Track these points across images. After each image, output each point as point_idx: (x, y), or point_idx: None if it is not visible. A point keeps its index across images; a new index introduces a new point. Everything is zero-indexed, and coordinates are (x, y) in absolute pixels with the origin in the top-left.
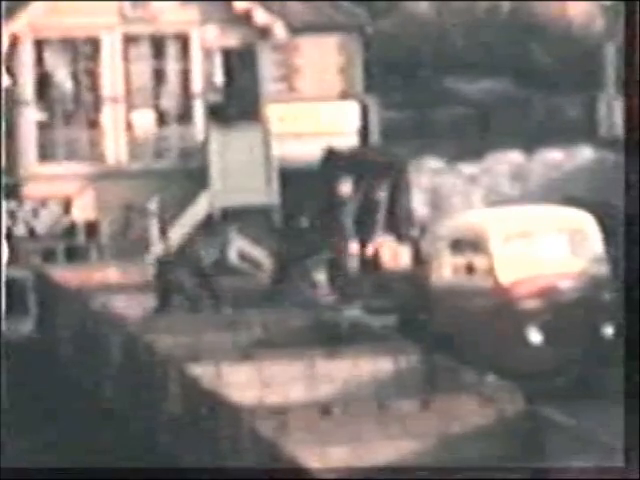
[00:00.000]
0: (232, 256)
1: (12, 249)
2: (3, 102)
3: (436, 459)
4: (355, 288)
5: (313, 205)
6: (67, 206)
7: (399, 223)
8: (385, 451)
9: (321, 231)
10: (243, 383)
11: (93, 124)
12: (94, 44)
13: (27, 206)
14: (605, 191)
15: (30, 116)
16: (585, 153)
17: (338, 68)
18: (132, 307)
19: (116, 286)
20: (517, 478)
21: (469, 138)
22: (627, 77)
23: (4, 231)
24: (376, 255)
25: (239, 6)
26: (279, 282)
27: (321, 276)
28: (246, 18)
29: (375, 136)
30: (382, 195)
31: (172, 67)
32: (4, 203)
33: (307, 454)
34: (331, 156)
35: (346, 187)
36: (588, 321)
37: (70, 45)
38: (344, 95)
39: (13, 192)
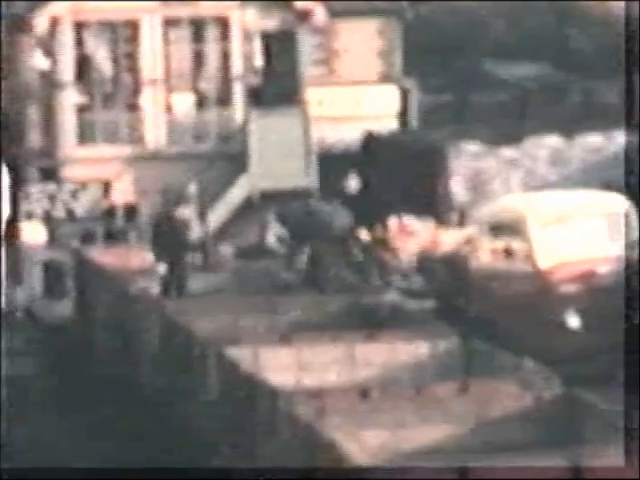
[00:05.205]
0: (270, 239)
1: (51, 231)
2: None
3: (473, 442)
4: (393, 271)
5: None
6: (106, 189)
7: (438, 207)
8: (423, 435)
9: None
10: (281, 366)
11: (133, 107)
12: (134, 27)
13: (66, 188)
14: None
15: (70, 99)
16: (624, 138)
17: (378, 52)
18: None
19: (155, 269)
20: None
21: (508, 122)
22: None
23: (40, 213)
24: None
25: None
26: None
27: (359, 259)
28: (286, 1)
29: (414, 120)
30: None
31: (212, 50)
32: (43, 185)
33: (345, 437)
34: (370, 140)
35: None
36: (626, 306)
37: (110, 28)
38: (384, 79)
39: (52, 174)
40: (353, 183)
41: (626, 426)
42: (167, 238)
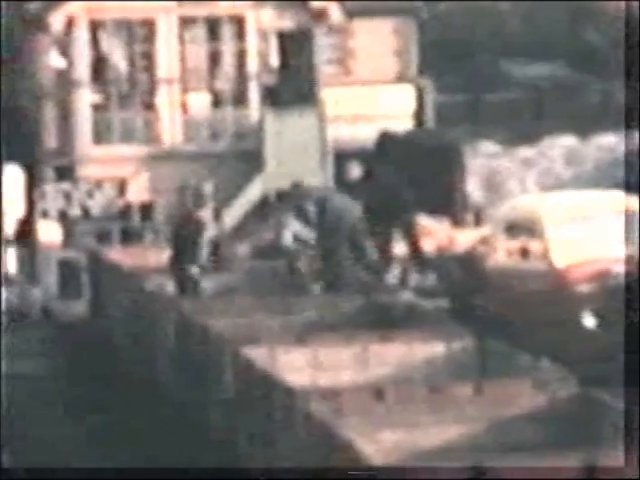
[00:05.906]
0: (287, 239)
1: (67, 230)
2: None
3: (489, 443)
4: (408, 271)
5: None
6: (122, 188)
7: (454, 207)
8: (438, 435)
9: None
10: (297, 366)
11: (148, 106)
12: (150, 26)
13: (82, 187)
14: None
15: (85, 98)
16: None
17: (393, 51)
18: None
19: (170, 269)
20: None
21: (524, 122)
22: None
23: (56, 212)
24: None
25: None
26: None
27: (373, 259)
28: (301, 0)
29: (430, 120)
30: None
31: (228, 49)
32: (59, 184)
33: (360, 438)
34: (386, 139)
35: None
36: (626, 306)
37: (126, 27)
38: (399, 78)
39: (68, 173)
40: (355, 171)
41: (626, 426)
42: (185, 238)
